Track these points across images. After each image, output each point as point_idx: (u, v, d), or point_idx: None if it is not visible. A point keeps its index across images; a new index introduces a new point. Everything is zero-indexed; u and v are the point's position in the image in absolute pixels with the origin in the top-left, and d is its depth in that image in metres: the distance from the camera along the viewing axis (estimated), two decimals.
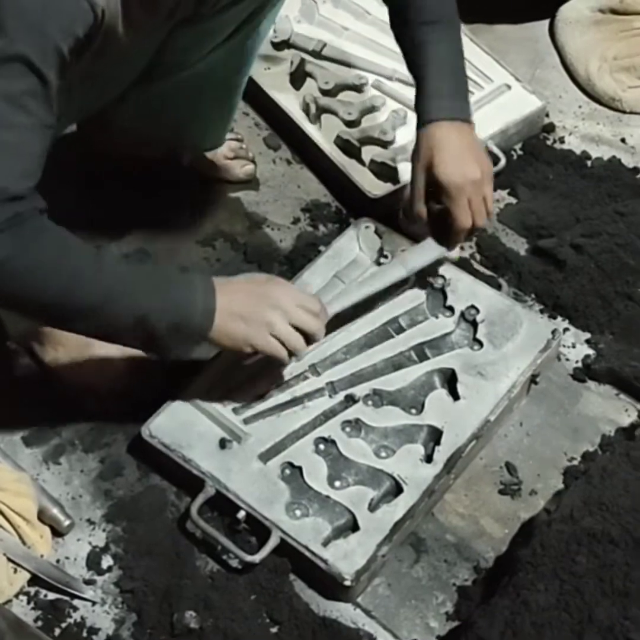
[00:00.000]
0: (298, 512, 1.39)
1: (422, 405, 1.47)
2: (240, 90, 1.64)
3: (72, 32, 1.15)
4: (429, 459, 1.42)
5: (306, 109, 1.82)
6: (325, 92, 1.84)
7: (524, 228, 1.73)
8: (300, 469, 1.41)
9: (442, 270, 1.59)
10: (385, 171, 1.74)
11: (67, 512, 1.42)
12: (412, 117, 1.59)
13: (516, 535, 1.41)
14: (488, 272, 1.67)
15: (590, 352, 1.59)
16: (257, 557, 1.35)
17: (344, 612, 1.36)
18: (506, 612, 1.24)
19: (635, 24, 1.94)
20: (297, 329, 1.35)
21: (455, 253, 1.63)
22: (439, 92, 1.47)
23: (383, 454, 1.44)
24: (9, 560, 1.35)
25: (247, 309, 1.33)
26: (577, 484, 1.39)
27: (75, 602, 1.37)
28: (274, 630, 1.34)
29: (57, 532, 1.42)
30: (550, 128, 1.87)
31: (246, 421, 1.45)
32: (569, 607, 1.23)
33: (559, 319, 1.62)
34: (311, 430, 1.45)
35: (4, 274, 1.18)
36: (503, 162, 1.76)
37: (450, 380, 1.50)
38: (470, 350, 1.53)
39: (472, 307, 1.56)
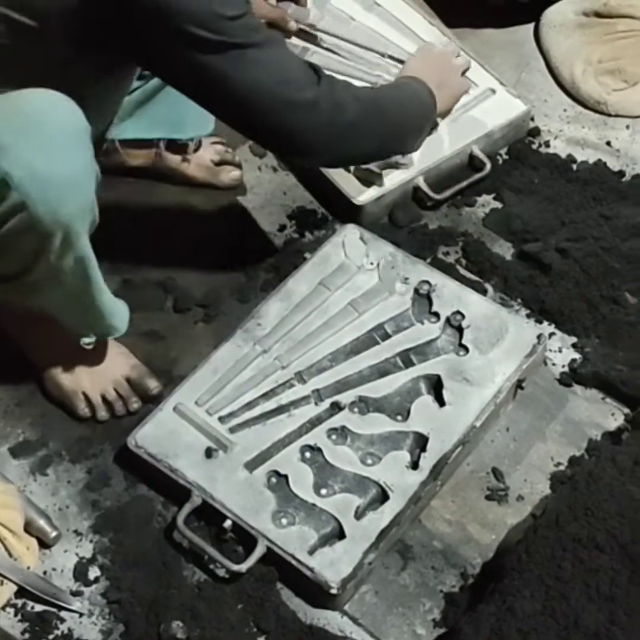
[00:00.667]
0: (284, 521, 1.39)
1: (408, 412, 1.47)
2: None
3: None
4: (415, 465, 1.43)
5: None
6: None
7: (510, 232, 1.73)
8: (286, 477, 1.42)
9: (427, 276, 1.60)
10: (371, 178, 1.74)
11: (54, 524, 1.42)
12: None
13: (503, 541, 1.41)
14: (474, 277, 1.67)
15: (577, 356, 1.59)
16: (243, 566, 1.35)
17: (331, 620, 1.36)
18: (492, 619, 1.24)
19: (619, 27, 1.94)
20: None
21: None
22: None
23: (369, 461, 1.44)
24: None
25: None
26: (562, 489, 1.39)
27: (63, 613, 1.37)
28: (261, 639, 1.34)
29: (44, 544, 1.42)
30: (535, 132, 1.87)
31: (232, 430, 1.46)
32: (555, 613, 1.23)
33: (545, 323, 1.62)
34: (297, 438, 1.45)
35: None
36: (488, 166, 1.77)
37: (436, 386, 1.50)
38: (456, 355, 1.53)
39: (458, 312, 1.56)
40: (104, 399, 1.53)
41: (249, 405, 1.48)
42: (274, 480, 1.42)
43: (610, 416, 1.54)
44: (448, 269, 1.66)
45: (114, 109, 1.51)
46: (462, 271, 1.68)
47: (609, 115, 1.90)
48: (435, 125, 1.73)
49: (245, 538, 1.38)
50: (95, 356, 1.53)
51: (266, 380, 1.50)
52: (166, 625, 1.33)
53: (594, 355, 1.57)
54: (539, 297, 1.64)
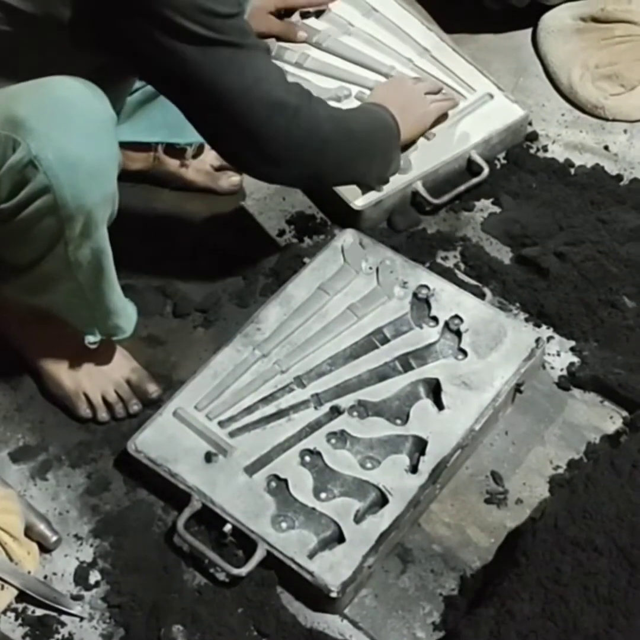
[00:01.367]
0: (284, 525, 1.39)
1: (407, 416, 1.48)
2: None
3: None
4: (414, 469, 1.43)
5: None
6: None
7: (508, 237, 1.74)
8: (285, 481, 1.42)
9: (426, 280, 1.60)
10: None
11: (54, 528, 1.43)
12: None
13: (502, 544, 1.42)
14: (472, 282, 1.67)
15: (575, 360, 1.59)
16: (243, 570, 1.35)
17: (331, 624, 1.36)
18: (491, 622, 1.25)
19: (616, 32, 1.95)
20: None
21: None
22: None
23: (368, 465, 1.44)
24: None
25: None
26: (561, 492, 1.39)
27: (63, 617, 1.37)
28: None
29: (45, 548, 1.42)
30: (533, 137, 1.87)
31: (232, 434, 1.46)
32: (554, 616, 1.24)
33: (544, 327, 1.63)
34: (297, 443, 1.46)
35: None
36: (486, 171, 1.77)
37: (434, 390, 1.50)
38: (454, 360, 1.53)
39: (456, 316, 1.57)
40: (104, 400, 1.53)
41: (249, 409, 1.49)
42: (273, 484, 1.42)
43: (609, 419, 1.54)
44: (447, 273, 1.66)
45: (117, 108, 1.50)
46: (461, 275, 1.68)
47: (607, 119, 1.91)
48: (398, 164, 1.71)
49: (245, 542, 1.38)
50: (99, 357, 1.53)
51: (266, 385, 1.51)
52: (167, 629, 1.34)
53: (593, 359, 1.58)
54: (537, 301, 1.64)
